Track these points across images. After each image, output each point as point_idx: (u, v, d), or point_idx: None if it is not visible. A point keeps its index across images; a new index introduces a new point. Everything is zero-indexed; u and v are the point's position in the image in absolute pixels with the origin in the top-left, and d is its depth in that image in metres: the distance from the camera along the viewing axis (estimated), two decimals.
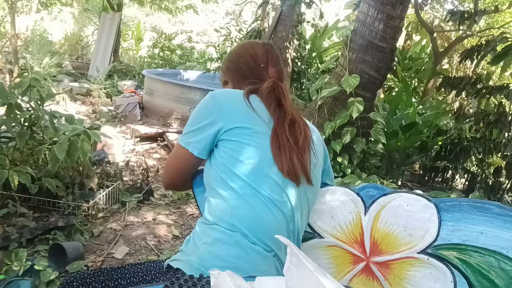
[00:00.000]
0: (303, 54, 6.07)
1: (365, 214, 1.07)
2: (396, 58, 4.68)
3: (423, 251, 0.98)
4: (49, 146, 2.40)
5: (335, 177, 2.88)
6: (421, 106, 4.96)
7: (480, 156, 4.02)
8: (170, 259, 0.97)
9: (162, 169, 3.64)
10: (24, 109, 2.32)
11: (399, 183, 3.88)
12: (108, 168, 3.10)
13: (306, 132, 1.05)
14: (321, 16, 6.16)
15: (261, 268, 0.91)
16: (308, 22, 6.19)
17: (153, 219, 2.70)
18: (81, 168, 2.67)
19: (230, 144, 0.98)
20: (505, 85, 3.63)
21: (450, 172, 4.14)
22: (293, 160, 0.98)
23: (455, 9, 5.10)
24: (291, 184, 0.98)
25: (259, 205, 0.94)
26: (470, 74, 5.80)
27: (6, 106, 2.21)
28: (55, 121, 2.36)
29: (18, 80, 2.50)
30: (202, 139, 1.01)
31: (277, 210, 0.95)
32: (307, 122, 1.12)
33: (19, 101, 2.30)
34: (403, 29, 4.38)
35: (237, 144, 0.97)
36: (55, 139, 2.41)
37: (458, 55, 6.38)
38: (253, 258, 0.92)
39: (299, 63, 6.06)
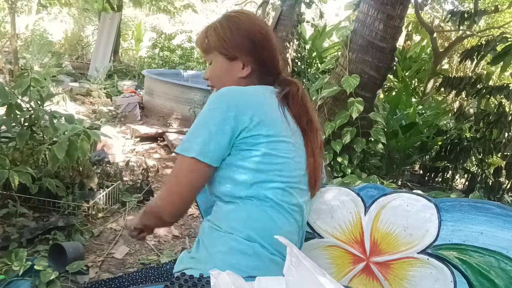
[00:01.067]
0: (303, 54, 6.06)
1: (365, 214, 1.07)
2: (396, 58, 4.69)
3: (423, 251, 0.98)
4: (49, 146, 2.39)
5: (335, 177, 2.88)
6: (421, 106, 4.96)
7: (480, 156, 4.02)
8: (181, 266, 0.93)
9: (162, 169, 3.63)
10: (24, 109, 2.32)
11: (399, 183, 3.87)
12: (108, 168, 3.09)
13: (320, 137, 1.02)
14: (321, 16, 6.16)
15: None
16: (307, 22, 6.18)
17: None
18: (81, 168, 2.67)
19: (246, 152, 0.90)
20: (505, 85, 3.62)
21: (450, 172, 4.13)
22: (318, 175, 0.97)
23: (455, 9, 5.10)
24: (304, 193, 0.97)
25: (276, 215, 0.90)
26: (470, 74, 5.79)
27: (6, 106, 2.21)
28: (55, 121, 2.36)
29: (18, 80, 2.50)
30: (218, 148, 0.88)
31: (292, 219, 0.94)
32: None
33: (19, 101, 2.30)
34: (403, 29, 4.38)
35: (250, 152, 0.90)
36: (55, 139, 2.41)
37: (458, 55, 6.38)
38: (270, 269, 0.89)
39: (299, 63, 6.06)
